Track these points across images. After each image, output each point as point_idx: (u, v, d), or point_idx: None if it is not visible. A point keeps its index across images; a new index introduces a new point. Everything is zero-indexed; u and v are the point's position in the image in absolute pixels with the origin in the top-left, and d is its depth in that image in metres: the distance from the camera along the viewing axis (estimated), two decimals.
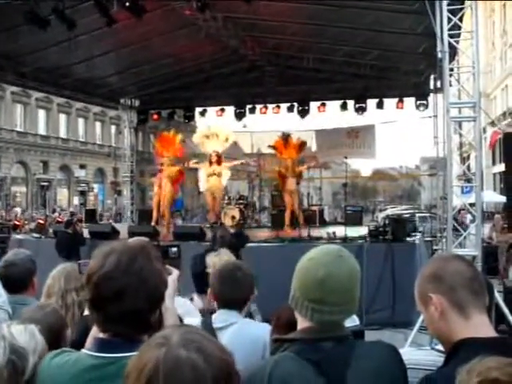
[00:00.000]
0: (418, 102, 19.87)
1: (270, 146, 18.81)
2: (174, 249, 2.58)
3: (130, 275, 1.95)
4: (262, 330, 3.23)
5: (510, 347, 1.91)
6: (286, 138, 18.21)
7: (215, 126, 20.66)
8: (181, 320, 2.55)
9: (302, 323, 2.14)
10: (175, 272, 2.53)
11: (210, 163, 17.96)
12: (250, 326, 3.41)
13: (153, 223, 16.43)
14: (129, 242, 2.13)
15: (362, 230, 14.81)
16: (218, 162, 17.92)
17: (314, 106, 21.50)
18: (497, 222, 16.94)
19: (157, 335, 1.49)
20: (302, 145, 18.50)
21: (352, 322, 2.80)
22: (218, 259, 4.87)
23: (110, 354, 1.96)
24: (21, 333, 2.11)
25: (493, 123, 39.16)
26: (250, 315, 3.94)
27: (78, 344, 2.12)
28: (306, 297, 2.11)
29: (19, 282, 3.97)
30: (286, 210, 17.31)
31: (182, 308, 3.95)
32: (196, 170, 23.74)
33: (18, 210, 36.83)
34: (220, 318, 3.39)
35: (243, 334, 3.29)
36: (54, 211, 40.42)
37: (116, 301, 1.93)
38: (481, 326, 2.03)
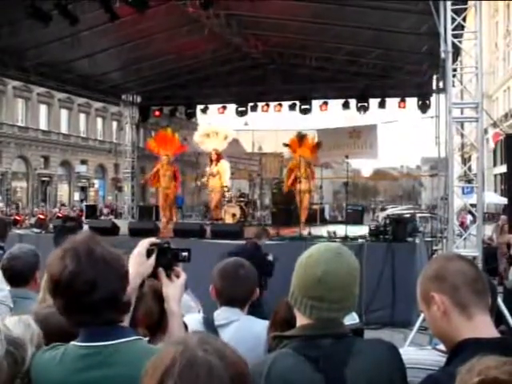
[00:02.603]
0: (420, 102, 19.87)
1: (284, 144, 18.75)
2: (185, 253, 2.57)
3: (95, 263, 2.01)
4: (263, 327, 3.22)
5: (511, 347, 1.91)
6: (301, 137, 18.13)
7: (215, 124, 20.63)
8: (185, 325, 2.54)
9: (301, 320, 2.14)
10: (183, 275, 2.51)
11: (211, 162, 17.95)
12: (251, 322, 3.40)
13: (162, 220, 16.52)
14: (76, 237, 2.16)
15: (363, 230, 14.81)
16: (218, 160, 17.90)
17: (316, 104, 21.50)
18: (502, 222, 16.87)
19: (176, 338, 1.54)
20: (317, 145, 18.40)
21: (352, 319, 2.79)
22: None
23: (97, 342, 2.01)
24: (15, 324, 2.12)
25: (495, 124, 39.13)
26: None
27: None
28: (304, 294, 2.11)
29: (22, 275, 3.98)
30: (299, 208, 17.18)
31: (182, 304, 3.93)
32: (196, 166, 23.71)
33: (1, 204, 36.74)
34: (222, 315, 3.38)
35: (245, 331, 3.28)
36: (60, 207, 40.35)
37: (91, 291, 1.98)
38: (483, 326, 2.02)
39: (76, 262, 1.99)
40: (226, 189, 18.59)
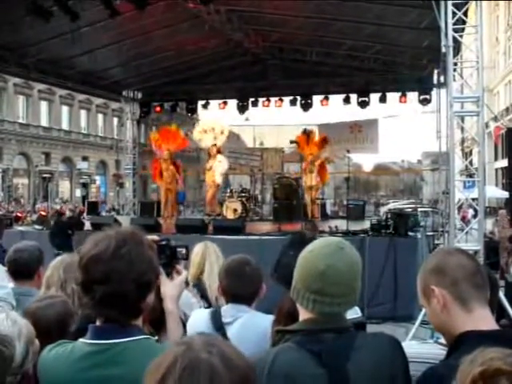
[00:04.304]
0: (421, 97, 19.85)
1: (291, 142, 18.72)
2: (183, 250, 2.56)
3: (117, 258, 1.99)
4: (268, 322, 3.24)
5: (511, 339, 1.92)
6: (308, 133, 18.09)
7: (209, 120, 20.55)
8: (184, 324, 2.55)
9: (304, 315, 2.15)
10: (183, 273, 2.51)
11: (210, 157, 17.86)
12: (256, 317, 3.42)
13: (164, 216, 16.48)
14: (121, 228, 2.16)
15: (364, 224, 14.81)
16: (216, 156, 17.80)
17: (316, 99, 21.48)
18: (501, 216, 16.86)
19: (182, 339, 1.52)
20: (324, 140, 18.41)
21: (354, 313, 2.80)
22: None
23: (105, 340, 2.00)
24: (3, 321, 2.12)
25: (496, 118, 39.09)
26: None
27: (80, 334, 2.13)
28: (307, 288, 2.12)
29: (27, 268, 4.02)
30: (310, 204, 17.20)
31: (182, 301, 3.94)
32: (197, 161, 23.76)
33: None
34: (228, 312, 3.41)
35: (250, 326, 3.31)
36: (61, 203, 40.33)
37: (103, 283, 1.97)
38: (483, 319, 2.03)
39: (102, 250, 2.00)
40: (216, 183, 18.33)
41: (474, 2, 10.80)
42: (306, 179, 17.59)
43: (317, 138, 18.45)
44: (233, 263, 3.59)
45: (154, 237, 2.46)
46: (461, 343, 1.97)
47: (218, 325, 3.32)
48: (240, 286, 3.43)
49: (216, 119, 19.98)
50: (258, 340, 3.12)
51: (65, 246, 12.27)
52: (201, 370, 1.32)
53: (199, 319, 3.39)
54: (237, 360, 1.39)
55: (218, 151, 17.95)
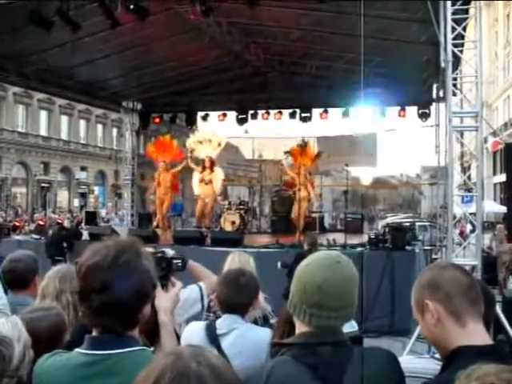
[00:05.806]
0: (420, 111, 19.86)
1: (286, 152, 18.69)
2: (179, 261, 2.55)
3: (116, 267, 1.98)
4: (263, 335, 3.24)
5: (504, 355, 1.94)
6: (303, 145, 18.06)
7: (207, 131, 20.57)
8: (178, 336, 2.54)
9: (301, 328, 2.15)
10: (178, 285, 2.51)
11: (204, 168, 17.83)
12: (251, 330, 3.44)
13: (154, 226, 16.46)
14: (120, 238, 2.16)
15: (362, 238, 14.80)
16: (211, 168, 17.79)
17: (316, 112, 21.50)
18: (499, 231, 16.86)
19: (169, 349, 1.52)
20: (318, 155, 18.39)
21: (351, 327, 2.80)
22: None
23: (101, 351, 1.99)
24: (3, 324, 2.12)
25: (494, 133, 39.15)
26: (264, 318, 3.97)
27: (74, 345, 2.12)
28: (304, 301, 2.12)
29: (22, 277, 4.02)
30: (297, 216, 17.19)
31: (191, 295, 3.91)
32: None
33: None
34: (224, 323, 3.43)
35: (245, 339, 3.32)
36: (59, 213, 40.24)
37: (100, 292, 1.97)
38: (477, 334, 2.04)
39: (100, 259, 1.99)
40: (218, 197, 18.40)
41: (473, 17, 10.85)
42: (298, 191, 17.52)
43: (312, 150, 18.42)
44: (228, 274, 3.68)
45: (149, 249, 2.45)
46: (455, 358, 1.98)
47: (213, 337, 3.32)
48: (235, 296, 3.46)
49: (214, 131, 19.96)
50: (253, 353, 3.13)
51: (58, 258, 12.32)
52: (190, 380, 1.32)
53: (194, 331, 3.40)
54: (225, 370, 1.40)
55: (213, 163, 17.88)
